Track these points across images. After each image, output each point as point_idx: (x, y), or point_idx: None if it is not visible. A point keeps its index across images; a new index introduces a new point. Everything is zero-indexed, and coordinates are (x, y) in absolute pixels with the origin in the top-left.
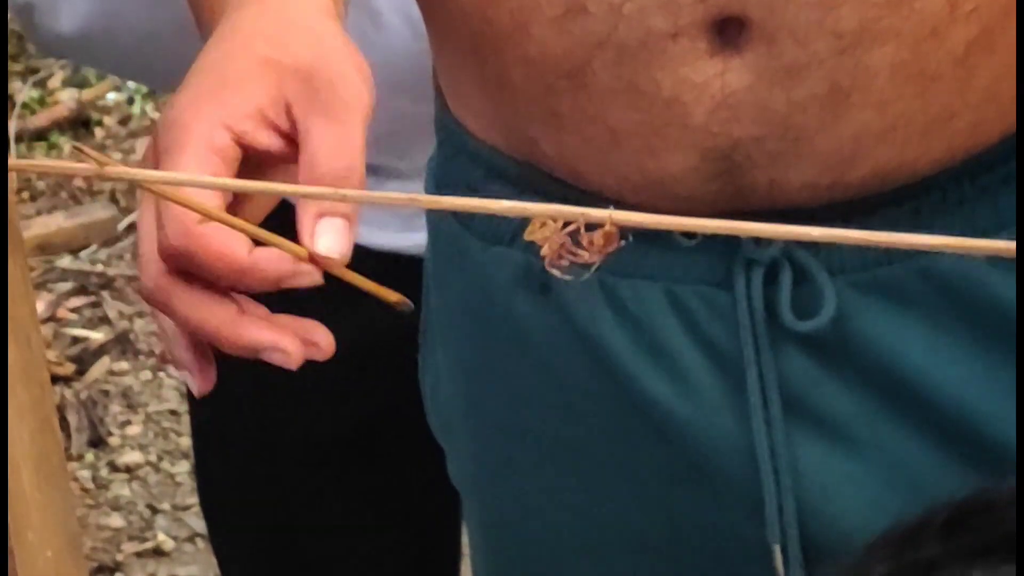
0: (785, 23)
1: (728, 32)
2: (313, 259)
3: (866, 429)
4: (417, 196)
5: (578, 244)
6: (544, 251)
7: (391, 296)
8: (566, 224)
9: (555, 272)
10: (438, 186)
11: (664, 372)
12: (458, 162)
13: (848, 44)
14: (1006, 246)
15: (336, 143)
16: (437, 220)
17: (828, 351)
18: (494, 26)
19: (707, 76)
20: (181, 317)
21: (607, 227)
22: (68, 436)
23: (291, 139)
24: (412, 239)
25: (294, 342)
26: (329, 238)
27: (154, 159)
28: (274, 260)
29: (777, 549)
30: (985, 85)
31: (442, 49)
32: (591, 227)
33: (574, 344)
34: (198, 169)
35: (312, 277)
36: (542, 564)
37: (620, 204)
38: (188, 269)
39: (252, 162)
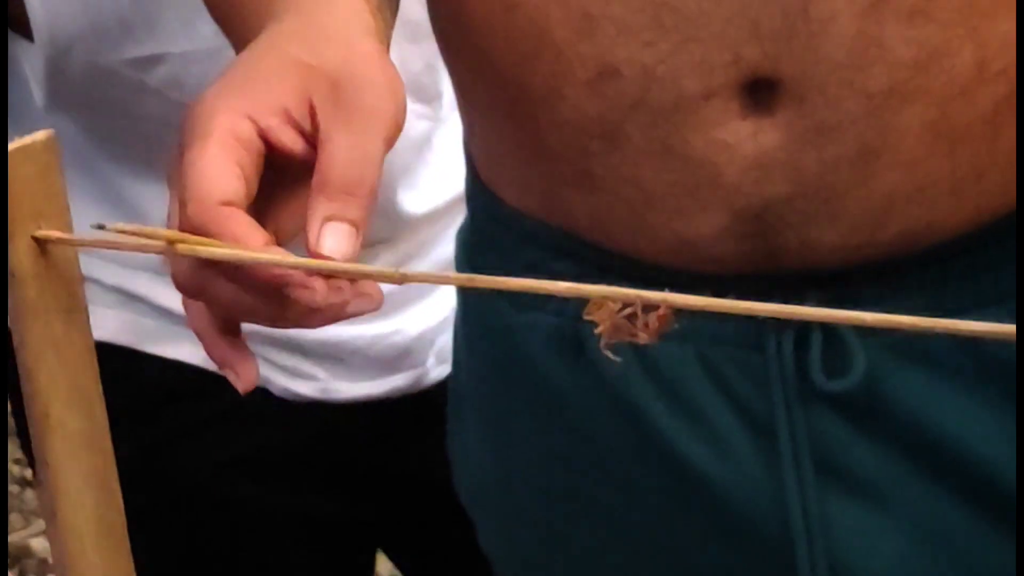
0: (816, 84)
1: (760, 93)
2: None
3: (898, 489)
4: (475, 276)
5: (634, 325)
6: (599, 330)
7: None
8: (624, 306)
9: (608, 354)
10: (469, 255)
11: (697, 433)
12: (490, 229)
13: (878, 104)
14: (1007, 329)
15: (352, 152)
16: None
17: (859, 411)
18: (529, 91)
19: (739, 137)
20: (218, 298)
21: (662, 310)
22: None
23: (313, 143)
24: (389, 384)
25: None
26: (333, 240)
27: (179, 153)
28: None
29: None
30: (1013, 144)
31: (475, 116)
32: (647, 308)
33: (607, 406)
34: (219, 157)
35: (311, 294)
36: None
37: (653, 266)
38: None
39: (274, 166)
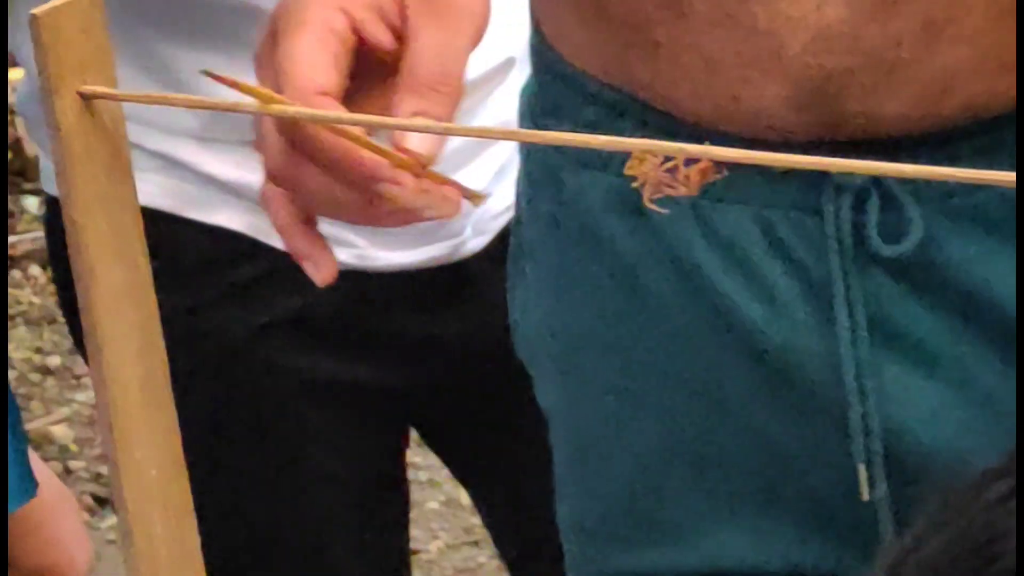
0: None
1: None
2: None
3: (951, 351)
4: (519, 131)
5: (675, 178)
6: (637, 183)
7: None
8: (665, 159)
9: (652, 207)
10: (533, 114)
11: (755, 293)
12: (554, 89)
13: None
14: (1006, 177)
15: (440, 47)
16: (529, 143)
17: (914, 275)
18: None
19: (803, 9)
20: (309, 187)
21: (703, 163)
22: None
23: (402, 39)
24: (426, 253)
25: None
26: (418, 137)
27: (270, 44)
28: (373, 156)
29: (861, 467)
30: None
31: None
32: (688, 162)
33: (666, 265)
34: (315, 47)
35: (399, 191)
36: (627, 484)
37: (714, 132)
38: (299, 141)
39: (362, 61)
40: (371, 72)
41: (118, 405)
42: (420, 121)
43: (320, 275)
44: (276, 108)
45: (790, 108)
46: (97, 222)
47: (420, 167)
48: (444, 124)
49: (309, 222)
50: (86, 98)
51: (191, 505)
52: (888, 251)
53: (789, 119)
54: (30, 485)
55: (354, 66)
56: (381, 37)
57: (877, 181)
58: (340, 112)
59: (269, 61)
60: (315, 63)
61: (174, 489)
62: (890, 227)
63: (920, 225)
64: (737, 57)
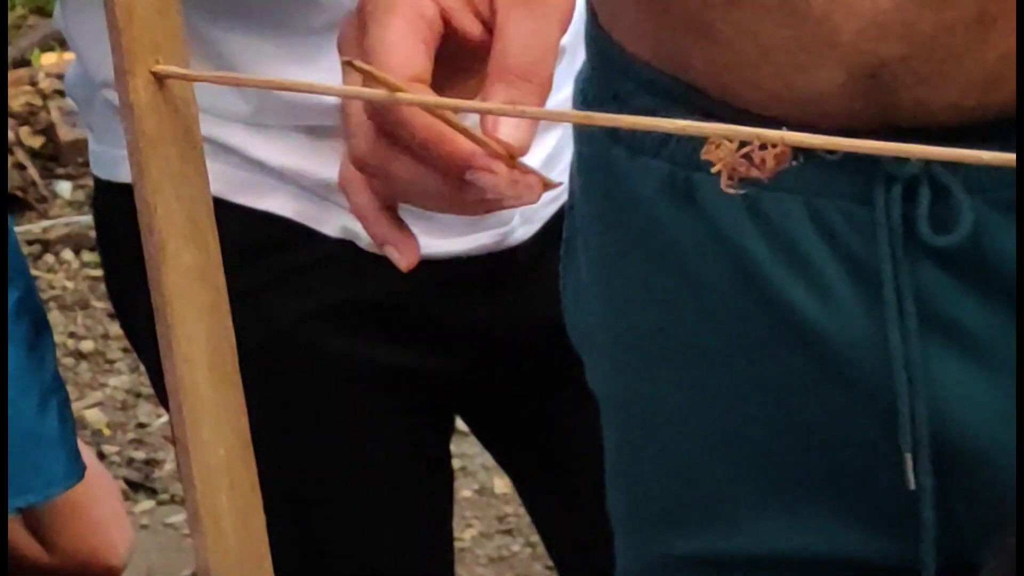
0: None
1: None
2: (492, 145)
3: (1000, 341)
4: (592, 114)
5: (751, 163)
6: (716, 168)
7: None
8: (742, 144)
9: (729, 191)
10: (586, 100)
11: (804, 282)
12: (608, 75)
13: None
14: (1006, 158)
15: (530, 37)
16: (582, 130)
17: (964, 266)
18: None
19: None
20: (396, 174)
21: (779, 147)
22: None
23: (490, 29)
24: (475, 241)
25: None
26: (511, 126)
27: (358, 27)
28: (468, 143)
29: (908, 457)
30: None
31: None
32: (763, 147)
33: (717, 252)
34: (407, 33)
35: (493, 179)
36: (677, 469)
37: (767, 119)
38: (389, 128)
39: (449, 50)
40: (455, 62)
41: (187, 385)
42: (522, 107)
43: (404, 261)
44: (404, 96)
45: (843, 96)
46: (168, 202)
47: (510, 157)
48: (541, 110)
49: (390, 208)
50: (159, 78)
51: (258, 485)
52: (938, 241)
53: (841, 107)
54: (78, 467)
55: (439, 55)
56: (469, 26)
57: (928, 171)
58: (445, 99)
59: (355, 47)
60: (407, 49)
61: (241, 469)
62: (940, 217)
63: (970, 216)
64: (791, 43)
